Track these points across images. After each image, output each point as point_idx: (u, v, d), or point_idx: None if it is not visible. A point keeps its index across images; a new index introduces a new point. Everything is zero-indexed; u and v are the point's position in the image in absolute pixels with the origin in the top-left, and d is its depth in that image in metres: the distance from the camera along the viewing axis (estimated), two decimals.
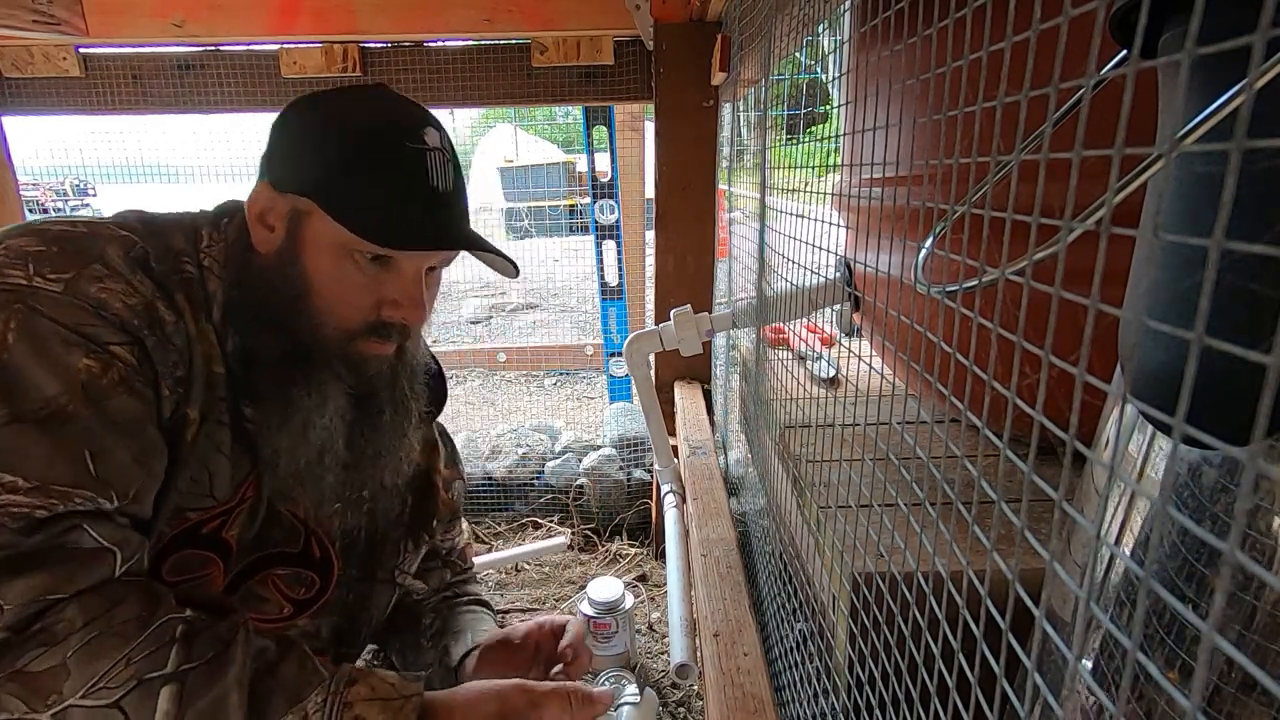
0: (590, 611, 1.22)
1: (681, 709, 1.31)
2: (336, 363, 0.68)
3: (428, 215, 0.64)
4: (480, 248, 0.68)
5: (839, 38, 0.88)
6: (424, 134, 0.65)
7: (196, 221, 0.69)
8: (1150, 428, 0.36)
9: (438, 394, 0.89)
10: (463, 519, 1.02)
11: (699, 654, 0.86)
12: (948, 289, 0.32)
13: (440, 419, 0.94)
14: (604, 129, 2.17)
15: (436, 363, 0.89)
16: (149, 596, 0.56)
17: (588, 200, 2.23)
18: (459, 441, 1.41)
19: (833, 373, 1.01)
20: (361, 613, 0.83)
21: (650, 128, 1.70)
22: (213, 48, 1.67)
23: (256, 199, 0.65)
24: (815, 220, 0.61)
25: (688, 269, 1.68)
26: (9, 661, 0.49)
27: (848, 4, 0.68)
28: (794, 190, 0.73)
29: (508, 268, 0.74)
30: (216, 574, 0.69)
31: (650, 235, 1.75)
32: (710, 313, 1.23)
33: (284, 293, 0.65)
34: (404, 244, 0.63)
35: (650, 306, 1.91)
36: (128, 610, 0.53)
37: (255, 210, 0.65)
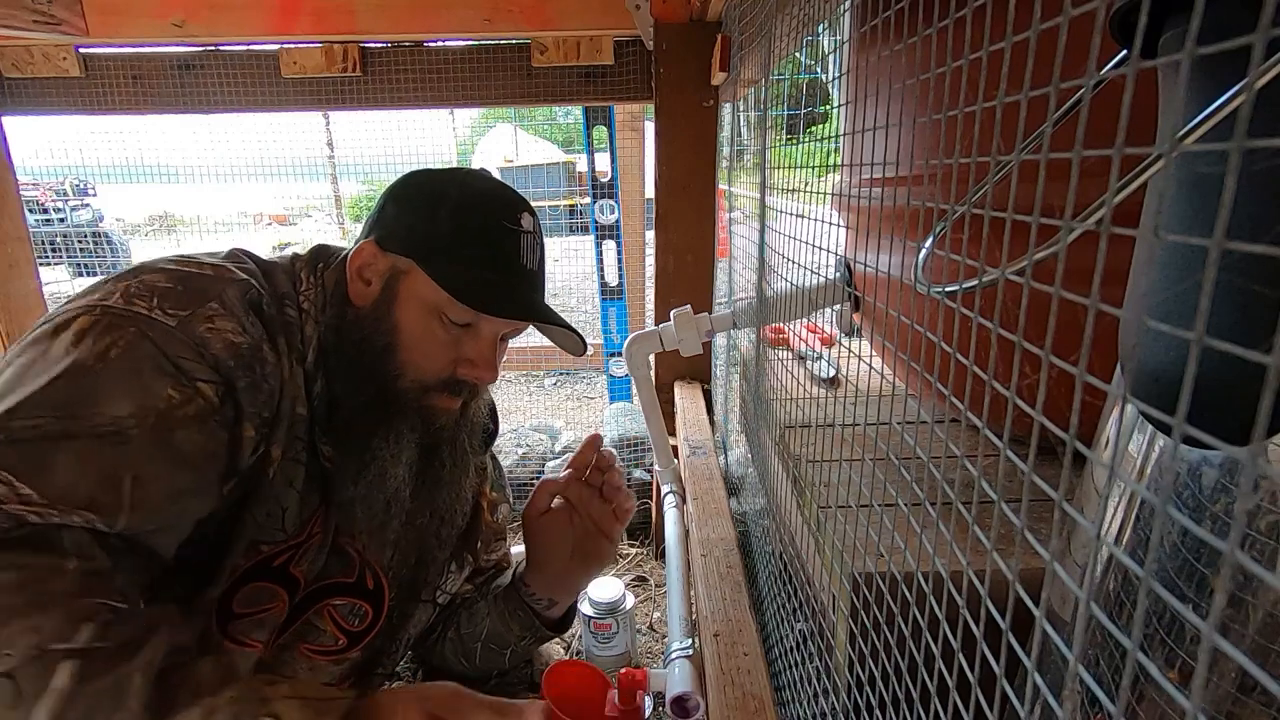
0: (590, 612, 1.22)
1: None
2: (412, 414, 0.72)
3: (516, 289, 0.71)
4: (556, 322, 0.74)
5: (839, 38, 0.88)
6: (520, 218, 0.72)
7: (295, 266, 0.73)
8: (1150, 428, 0.36)
9: (493, 422, 0.95)
10: (508, 538, 1.04)
11: (699, 652, 0.86)
12: (948, 289, 0.32)
13: None
14: (604, 129, 2.16)
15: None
16: (92, 581, 0.53)
17: (588, 200, 2.23)
18: None
19: (833, 373, 1.01)
20: (401, 631, 0.85)
21: (650, 128, 1.69)
22: (213, 48, 1.67)
23: (359, 254, 0.70)
24: (815, 220, 0.61)
25: (688, 269, 1.68)
26: None
27: (848, 4, 0.68)
28: (794, 190, 0.73)
29: (575, 344, 0.79)
30: (281, 608, 0.71)
31: (650, 235, 1.75)
32: (710, 313, 1.23)
33: (374, 343, 0.69)
34: (494, 311, 0.70)
35: (650, 306, 1.91)
36: (59, 584, 0.51)
37: (356, 264, 0.70)
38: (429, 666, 1.00)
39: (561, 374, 3.62)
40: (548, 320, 0.73)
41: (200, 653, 0.67)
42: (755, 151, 1.07)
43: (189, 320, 0.60)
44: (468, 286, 0.68)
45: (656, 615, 1.53)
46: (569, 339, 0.78)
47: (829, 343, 1.15)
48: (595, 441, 0.86)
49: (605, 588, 1.24)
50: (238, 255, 0.70)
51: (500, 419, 0.98)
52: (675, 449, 1.49)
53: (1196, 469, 0.32)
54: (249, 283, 0.66)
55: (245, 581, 0.68)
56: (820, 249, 0.59)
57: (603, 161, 2.21)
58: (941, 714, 0.31)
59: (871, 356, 0.89)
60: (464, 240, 0.69)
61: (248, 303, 0.65)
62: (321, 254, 0.75)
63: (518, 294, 0.72)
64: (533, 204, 0.76)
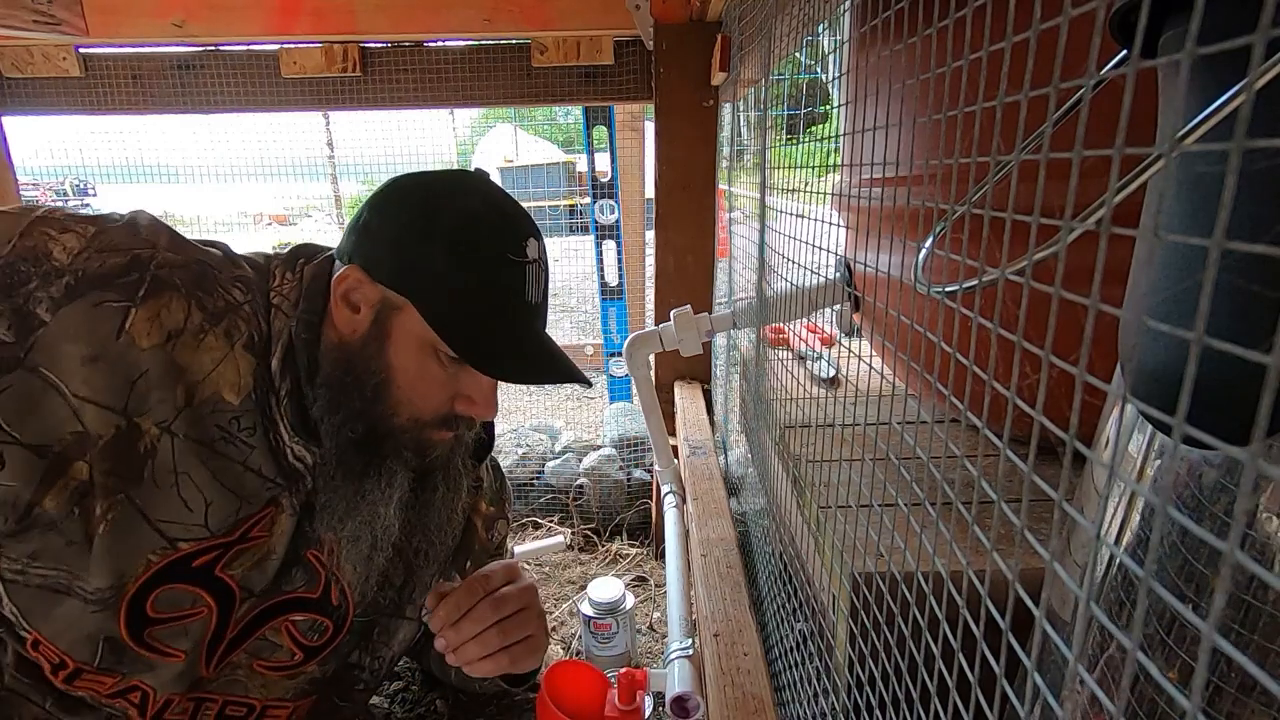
0: (590, 612, 1.22)
1: None
2: (406, 450, 0.68)
3: (519, 334, 0.66)
4: (564, 379, 0.68)
5: (839, 38, 0.88)
6: (526, 246, 0.66)
7: (270, 261, 0.70)
8: (1150, 428, 0.36)
9: (487, 433, 0.89)
10: (505, 553, 0.98)
11: (699, 652, 0.86)
12: (948, 289, 0.32)
13: None
14: (604, 129, 2.17)
15: None
16: None
17: (588, 200, 2.23)
18: None
19: (833, 373, 1.01)
20: (384, 648, 0.83)
21: (650, 128, 1.70)
22: (213, 48, 1.67)
23: (344, 278, 0.64)
24: (815, 220, 0.61)
25: (688, 269, 1.68)
26: None
27: (848, 4, 0.68)
28: (794, 190, 0.73)
29: (581, 383, 0.73)
30: (208, 614, 0.67)
31: (650, 235, 1.75)
32: (710, 313, 1.23)
33: (366, 380, 0.65)
34: (499, 374, 0.65)
35: (650, 306, 1.91)
36: None
37: (341, 288, 0.65)
38: (425, 670, 1.00)
39: None
40: (555, 380, 0.67)
41: (108, 656, 0.64)
42: (755, 151, 1.07)
43: (52, 221, 0.60)
44: (469, 338, 0.63)
45: (656, 615, 1.53)
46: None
47: (829, 343, 1.15)
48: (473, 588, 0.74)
49: (605, 588, 1.24)
50: (207, 240, 0.69)
51: (500, 419, 0.95)
52: (675, 449, 1.50)
53: (1196, 469, 0.32)
54: (148, 243, 0.63)
55: (160, 581, 0.63)
56: (820, 249, 0.59)
57: (603, 161, 2.21)
58: (941, 714, 0.31)
59: (871, 356, 0.89)
60: (463, 280, 0.63)
61: (109, 247, 0.61)
62: (303, 251, 0.71)
63: (523, 341, 0.66)
64: (532, 204, 0.71)
